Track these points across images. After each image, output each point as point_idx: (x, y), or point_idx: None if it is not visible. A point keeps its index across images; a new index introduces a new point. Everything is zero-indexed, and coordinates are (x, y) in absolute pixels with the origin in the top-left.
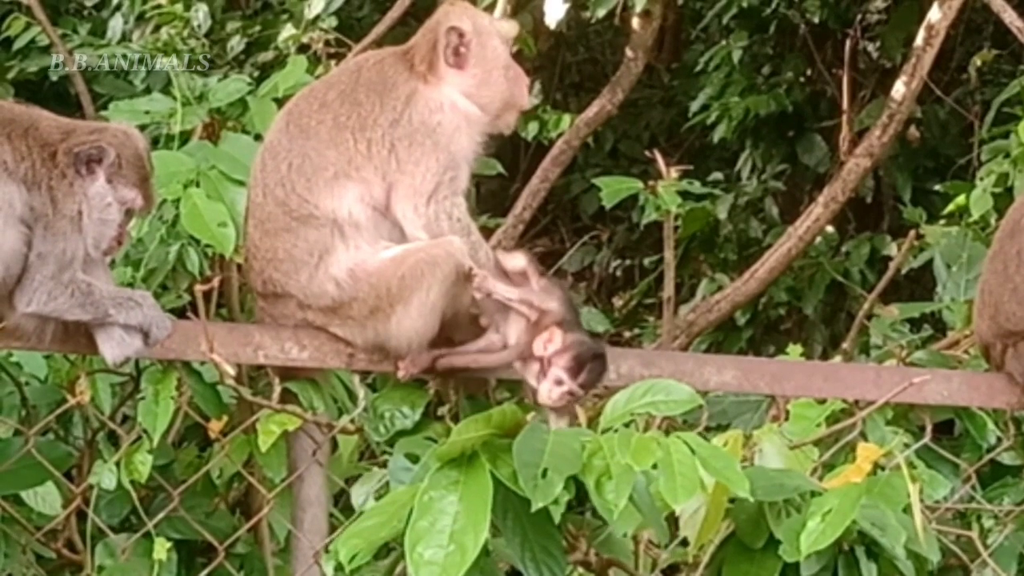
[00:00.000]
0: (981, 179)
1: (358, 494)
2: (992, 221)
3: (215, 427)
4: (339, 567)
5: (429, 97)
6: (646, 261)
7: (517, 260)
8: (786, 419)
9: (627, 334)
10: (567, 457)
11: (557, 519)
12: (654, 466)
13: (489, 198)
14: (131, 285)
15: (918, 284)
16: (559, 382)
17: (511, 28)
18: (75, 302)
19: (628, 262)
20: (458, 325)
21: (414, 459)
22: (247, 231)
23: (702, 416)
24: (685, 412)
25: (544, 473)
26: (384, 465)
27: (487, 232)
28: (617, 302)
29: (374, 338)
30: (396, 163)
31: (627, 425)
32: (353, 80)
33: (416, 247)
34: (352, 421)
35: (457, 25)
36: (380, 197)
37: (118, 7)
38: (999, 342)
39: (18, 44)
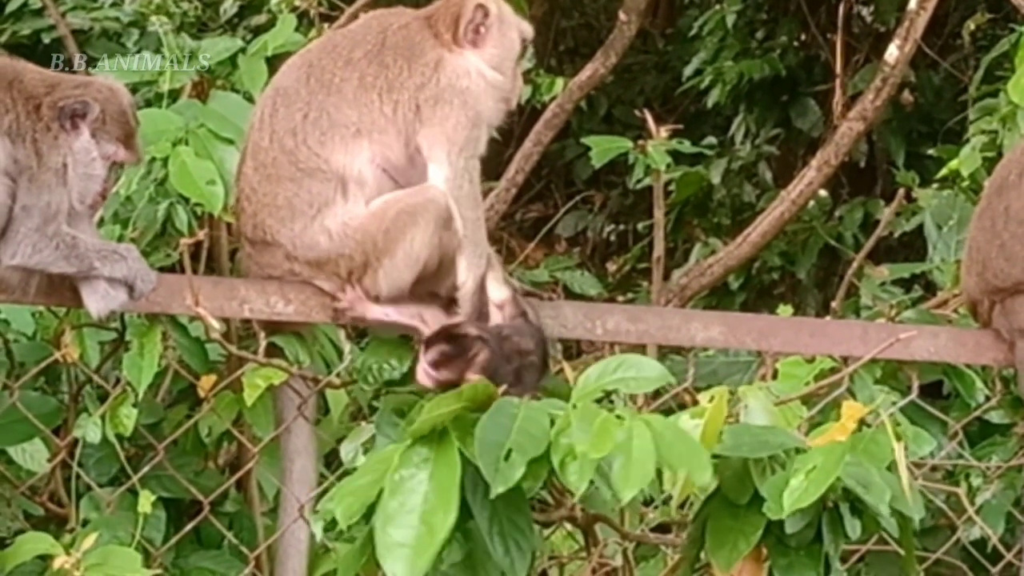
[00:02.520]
0: (970, 137)
1: (347, 450)
2: (984, 184)
3: (205, 384)
4: (328, 525)
5: (456, 64)
6: (640, 226)
7: (502, 292)
8: (774, 378)
9: (620, 298)
10: (534, 436)
11: (531, 491)
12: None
13: (482, 162)
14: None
15: (911, 249)
16: (420, 360)
17: (529, 29)
18: (60, 255)
19: (622, 227)
20: (441, 275)
21: (401, 413)
22: (244, 172)
23: (689, 375)
24: (655, 388)
25: (508, 454)
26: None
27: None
28: (611, 267)
29: (361, 292)
30: (420, 123)
31: (601, 400)
32: (379, 42)
33: (397, 197)
34: (338, 375)
35: (485, 4)
36: (395, 159)
37: None
38: (986, 298)
39: (11, 7)
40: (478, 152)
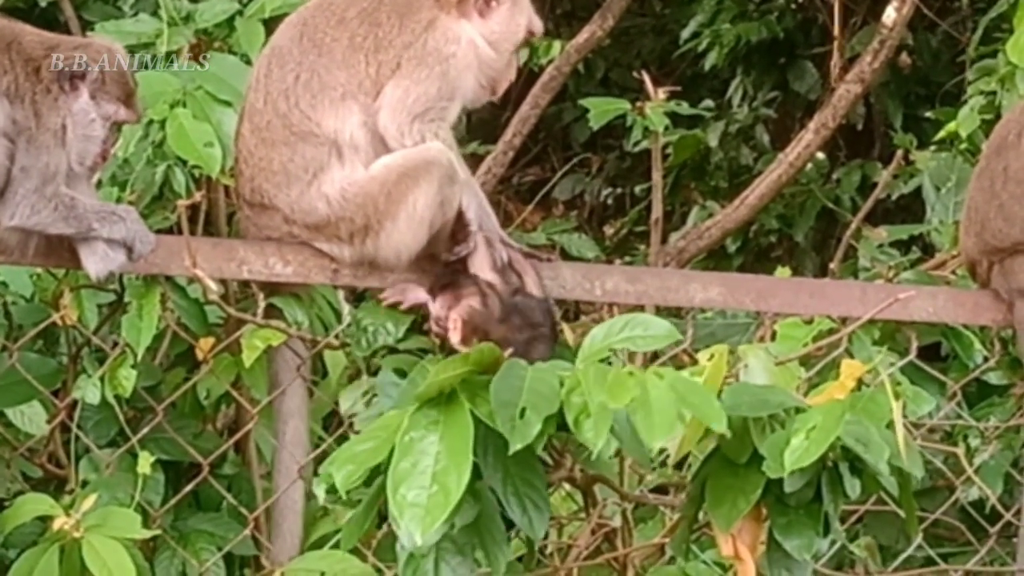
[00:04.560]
0: (968, 98)
1: (346, 400)
2: (982, 146)
3: (204, 346)
4: (330, 489)
5: (448, 27)
6: (637, 189)
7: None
8: (773, 339)
9: (618, 262)
10: (545, 395)
11: (539, 450)
12: (632, 402)
13: (480, 126)
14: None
15: (908, 212)
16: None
17: (539, 25)
18: (58, 216)
19: (619, 190)
20: (441, 238)
21: (402, 374)
22: (241, 133)
23: (688, 336)
24: (663, 346)
25: (522, 413)
26: (373, 374)
27: (477, 160)
28: (608, 230)
29: (361, 254)
30: (395, 78)
31: (605, 360)
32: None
33: (396, 160)
34: (336, 337)
35: None
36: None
37: None
38: (985, 259)
39: None
40: (446, 117)
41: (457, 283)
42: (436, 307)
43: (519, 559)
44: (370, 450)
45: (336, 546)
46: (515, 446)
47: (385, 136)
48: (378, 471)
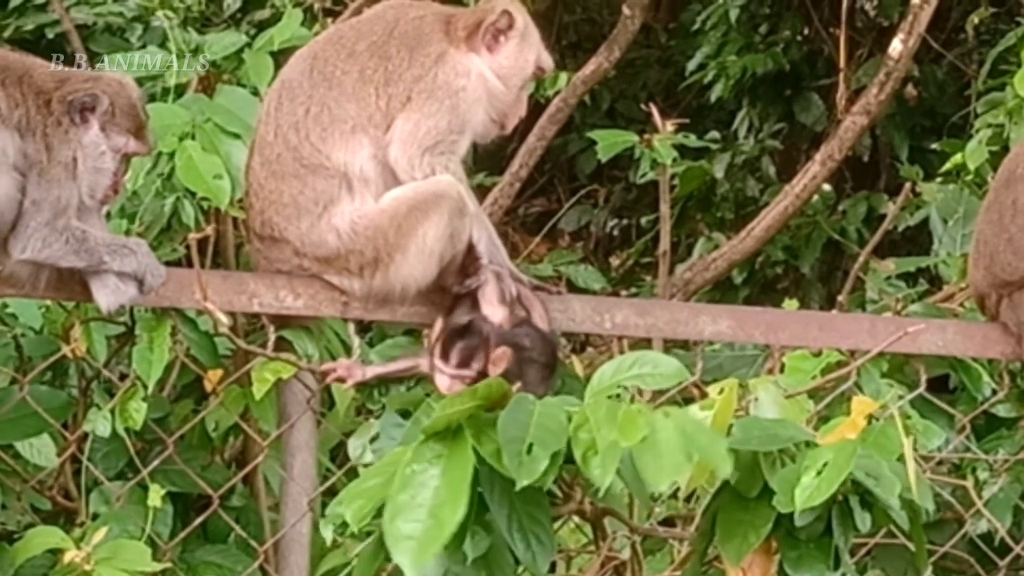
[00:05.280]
0: (976, 131)
1: (354, 446)
2: (989, 178)
3: (212, 378)
4: (339, 529)
5: (458, 61)
6: (643, 220)
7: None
8: (781, 372)
9: (624, 293)
10: (553, 431)
11: (547, 486)
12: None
13: (486, 157)
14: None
15: (915, 244)
16: (440, 371)
17: (550, 62)
18: (69, 249)
19: (625, 221)
20: (451, 270)
21: (405, 414)
22: (251, 166)
23: (697, 369)
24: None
25: (530, 448)
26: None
27: (484, 191)
28: (614, 261)
29: (371, 287)
30: (406, 112)
31: (614, 396)
32: (387, 32)
33: (406, 192)
34: None
35: (512, 13)
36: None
37: None
38: (994, 292)
39: (14, 2)
40: (456, 151)
41: (475, 340)
42: (476, 367)
43: None
44: (379, 485)
45: None
46: (522, 483)
47: (396, 169)
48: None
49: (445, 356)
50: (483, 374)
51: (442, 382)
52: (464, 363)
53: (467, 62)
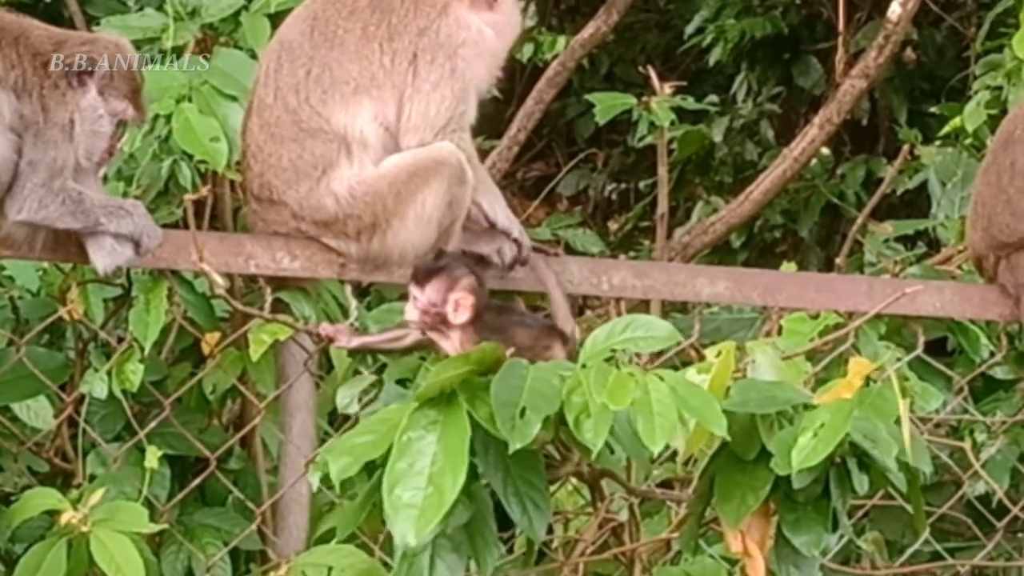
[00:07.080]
0: (975, 93)
1: (343, 396)
2: (987, 141)
3: (210, 340)
4: (324, 479)
5: (461, 14)
6: (641, 184)
7: None
8: (779, 334)
9: (622, 257)
10: (546, 395)
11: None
12: (632, 404)
13: (484, 121)
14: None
15: (913, 207)
16: (414, 298)
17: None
18: (66, 210)
19: (623, 186)
20: (449, 236)
21: (404, 382)
22: (249, 128)
23: (695, 332)
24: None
25: (523, 412)
26: (377, 372)
27: (482, 155)
28: (612, 225)
29: (368, 252)
30: (413, 82)
31: (608, 360)
32: None
33: (406, 158)
34: None
35: None
36: (393, 118)
37: None
38: (992, 254)
39: None
40: (465, 124)
41: (442, 268)
42: (428, 295)
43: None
44: (368, 444)
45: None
46: (515, 446)
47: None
48: (375, 465)
49: (419, 285)
50: (440, 317)
51: (409, 311)
52: (420, 283)
53: (467, 16)
